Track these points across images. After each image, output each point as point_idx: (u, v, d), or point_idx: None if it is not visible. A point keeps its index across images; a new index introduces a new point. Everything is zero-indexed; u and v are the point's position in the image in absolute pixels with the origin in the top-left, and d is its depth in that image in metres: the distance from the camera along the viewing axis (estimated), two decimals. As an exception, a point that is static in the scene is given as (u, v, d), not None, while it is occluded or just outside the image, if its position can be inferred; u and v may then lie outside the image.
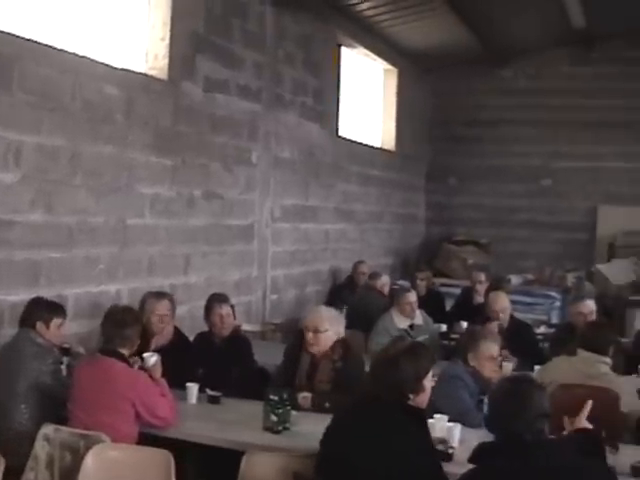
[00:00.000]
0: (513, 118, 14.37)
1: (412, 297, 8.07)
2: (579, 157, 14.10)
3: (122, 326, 5.02)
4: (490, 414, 3.65)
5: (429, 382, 4.17)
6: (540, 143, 14.24)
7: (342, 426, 4.15)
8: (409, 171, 14.10)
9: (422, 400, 4.13)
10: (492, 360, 5.53)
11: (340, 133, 11.47)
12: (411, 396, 4.06)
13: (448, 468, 4.35)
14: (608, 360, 5.84)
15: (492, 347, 5.56)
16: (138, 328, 5.13)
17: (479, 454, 3.56)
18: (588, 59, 14.18)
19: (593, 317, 7.34)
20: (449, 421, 4.90)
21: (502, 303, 7.71)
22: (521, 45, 14.00)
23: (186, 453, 4.93)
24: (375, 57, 12.61)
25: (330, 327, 5.80)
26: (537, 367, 6.52)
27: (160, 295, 6.42)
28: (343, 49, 11.66)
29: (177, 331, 6.40)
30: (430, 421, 4.82)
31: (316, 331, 5.68)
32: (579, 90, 14.08)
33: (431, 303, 9.44)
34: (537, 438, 3.45)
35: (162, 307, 6.25)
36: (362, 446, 3.93)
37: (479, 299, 9.23)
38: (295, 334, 6.17)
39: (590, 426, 4.14)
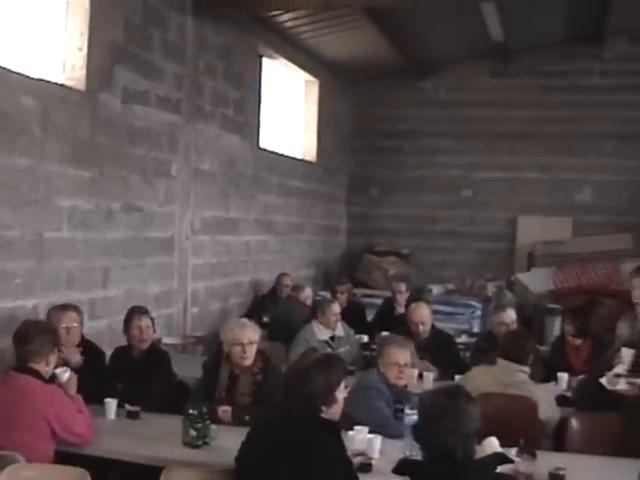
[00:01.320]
0: (434, 129, 14.52)
1: (336, 308, 8.07)
2: (498, 168, 14.32)
3: (26, 341, 4.89)
4: (422, 430, 3.62)
5: (341, 393, 4.15)
6: (460, 154, 14.42)
7: (256, 441, 4.12)
8: (330, 182, 14.13)
9: (335, 412, 4.11)
10: (396, 367, 5.55)
11: (261, 144, 11.44)
12: (323, 408, 4.04)
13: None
14: (527, 369, 5.91)
15: (397, 353, 5.58)
16: (46, 339, 4.95)
17: (403, 466, 3.56)
18: (507, 72, 14.42)
19: (514, 326, 7.42)
20: (369, 432, 4.91)
21: (422, 313, 7.75)
22: (442, 57, 14.16)
23: (105, 470, 4.85)
24: (296, 68, 12.62)
25: (257, 339, 5.80)
26: (458, 377, 6.58)
27: (65, 307, 6.27)
28: (264, 60, 11.64)
29: (89, 344, 6.28)
30: (350, 433, 4.84)
31: (249, 343, 5.67)
32: (498, 102, 14.30)
33: (352, 314, 9.42)
34: (468, 455, 3.46)
35: (67, 319, 6.10)
36: (276, 461, 3.90)
37: (400, 309, 9.28)
38: (215, 347, 6.14)
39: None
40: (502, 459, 3.74)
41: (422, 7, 11.01)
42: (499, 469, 3.81)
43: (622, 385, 5.04)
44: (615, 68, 14.06)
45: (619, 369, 5.16)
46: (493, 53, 13.85)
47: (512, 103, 14.27)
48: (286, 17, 10.88)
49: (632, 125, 13.84)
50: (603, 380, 5.14)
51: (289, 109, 13.13)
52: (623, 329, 6.30)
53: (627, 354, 5.24)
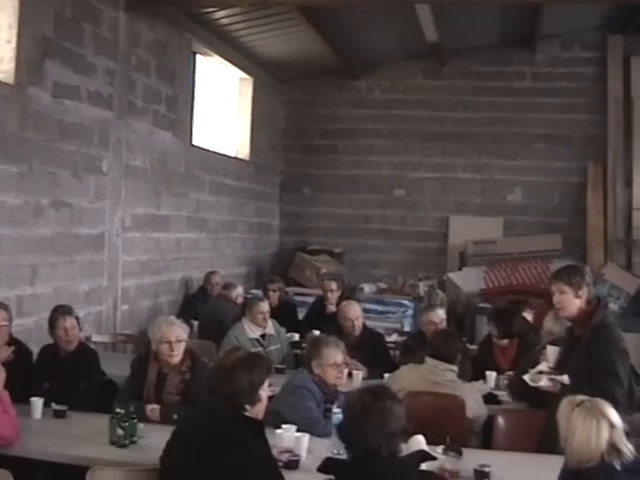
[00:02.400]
0: (368, 129, 14.58)
1: (265, 307, 8.07)
2: (431, 168, 14.43)
3: None
4: (348, 429, 3.63)
5: (265, 392, 4.15)
6: (394, 154, 14.49)
7: (180, 440, 4.10)
8: (263, 181, 14.09)
9: (259, 410, 4.11)
10: (336, 367, 5.56)
11: (194, 142, 11.37)
12: (247, 407, 4.04)
13: (294, 477, 4.40)
14: (455, 368, 5.98)
15: (335, 354, 5.59)
16: None
17: (328, 465, 3.57)
18: (441, 73, 14.52)
19: (443, 325, 7.50)
20: (297, 431, 4.92)
21: (353, 312, 7.78)
22: (377, 57, 14.22)
23: (31, 470, 4.79)
24: (231, 66, 12.56)
25: (185, 337, 5.78)
26: (387, 375, 6.62)
27: (-8, 305, 6.16)
28: (198, 57, 11.58)
29: (17, 342, 6.18)
30: (278, 431, 4.85)
31: (176, 341, 5.64)
32: (432, 103, 14.42)
33: (284, 313, 9.45)
34: (392, 453, 3.48)
35: (-6, 317, 6.00)
36: (200, 461, 3.89)
37: (331, 308, 9.28)
38: (144, 345, 6.10)
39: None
40: (426, 456, 3.77)
41: (357, 7, 11.08)
42: (423, 466, 3.85)
43: (544, 382, 5.12)
44: (547, 71, 14.28)
45: (542, 366, 5.24)
46: (428, 54, 13.92)
47: (446, 104, 14.40)
48: (221, 14, 10.82)
49: (562, 128, 14.08)
50: (526, 377, 5.22)
51: (223, 107, 13.07)
52: (550, 325, 6.40)
53: (552, 352, 5.32)
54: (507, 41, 14.16)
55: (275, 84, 14.40)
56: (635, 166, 13.63)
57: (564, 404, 3.84)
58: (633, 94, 13.81)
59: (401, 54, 14.27)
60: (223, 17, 10.95)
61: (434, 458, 4.04)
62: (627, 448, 3.68)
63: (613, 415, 3.74)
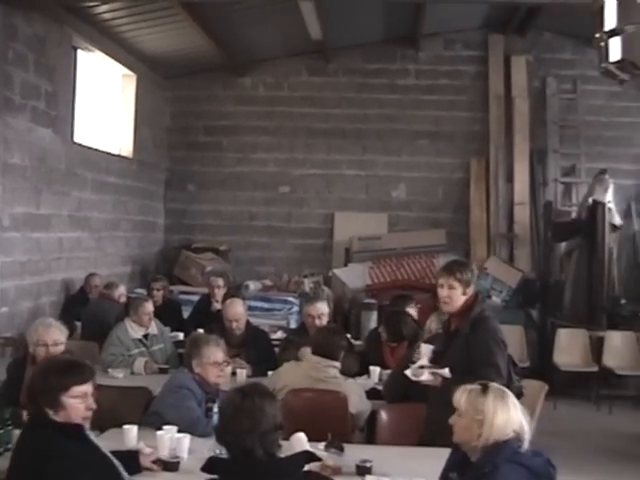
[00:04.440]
0: (252, 126, 14.53)
1: (149, 307, 7.94)
2: (316, 165, 14.48)
3: None
4: (221, 429, 3.60)
5: (72, 400, 3.98)
6: (278, 151, 14.49)
7: (15, 451, 4.03)
8: (147, 178, 13.90)
9: (65, 417, 3.97)
10: (217, 366, 5.51)
11: (75, 139, 11.15)
12: (50, 412, 3.94)
13: (176, 478, 4.35)
14: (337, 364, 6.00)
15: (216, 353, 5.54)
16: None
17: (211, 465, 3.53)
18: (325, 70, 14.57)
19: (324, 319, 7.50)
20: (178, 432, 4.86)
21: (237, 311, 7.73)
22: (261, 54, 14.18)
23: None
24: (113, 62, 12.35)
25: (63, 339, 5.66)
26: (271, 373, 6.61)
27: None
28: (79, 52, 11.36)
29: None
30: (159, 433, 4.78)
31: (53, 344, 5.52)
32: (316, 100, 14.47)
33: (168, 312, 9.38)
34: (269, 454, 3.45)
35: None
36: (21, 472, 3.82)
37: (217, 305, 9.23)
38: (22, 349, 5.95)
39: None
40: (310, 457, 3.75)
41: (241, 3, 11.03)
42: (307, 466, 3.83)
43: (426, 376, 5.17)
44: (430, 69, 14.48)
45: (424, 361, 5.29)
46: (312, 51, 13.95)
47: (330, 101, 14.47)
48: (102, 9, 10.64)
49: (445, 124, 14.32)
50: (408, 372, 5.26)
51: (106, 103, 12.85)
52: (433, 325, 6.47)
53: (426, 349, 5.39)
54: (391, 39, 14.32)
55: (159, 80, 14.23)
56: (516, 162, 13.93)
57: (464, 387, 3.87)
58: (514, 92, 14.13)
59: (286, 51, 14.27)
60: (105, 12, 10.77)
61: (319, 459, 4.02)
62: (516, 438, 3.75)
63: (513, 404, 3.82)
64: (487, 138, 14.14)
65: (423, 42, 14.28)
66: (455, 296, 5.28)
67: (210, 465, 3.52)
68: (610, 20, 2.83)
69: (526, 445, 3.73)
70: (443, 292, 5.31)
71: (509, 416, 3.73)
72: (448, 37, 14.45)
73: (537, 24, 13.77)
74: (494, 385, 3.87)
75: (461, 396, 3.85)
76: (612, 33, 2.84)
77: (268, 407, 3.51)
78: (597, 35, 2.91)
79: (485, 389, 3.82)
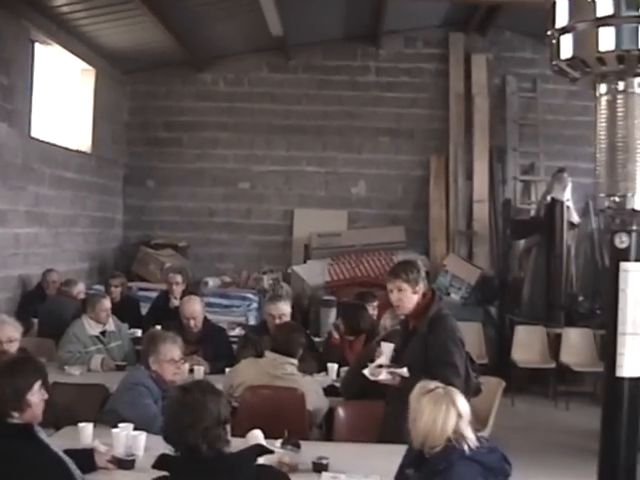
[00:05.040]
0: (212, 122, 14.45)
1: (107, 304, 7.90)
2: (276, 161, 14.42)
3: None
4: (166, 426, 3.59)
5: (35, 396, 3.99)
6: (238, 147, 14.41)
7: None
8: (106, 174, 13.76)
9: (31, 416, 3.97)
10: (173, 363, 5.49)
11: (33, 134, 11.03)
12: (15, 414, 3.91)
13: (131, 476, 4.32)
14: (295, 361, 5.99)
15: (172, 350, 5.51)
16: None
17: (162, 462, 3.52)
18: (286, 66, 14.54)
19: (284, 319, 7.48)
20: (134, 429, 4.83)
21: (194, 309, 7.71)
22: (222, 50, 14.11)
23: None
24: (72, 56, 12.22)
25: (18, 336, 5.60)
26: (228, 370, 6.59)
27: None
28: (37, 46, 11.22)
29: None
30: (114, 431, 4.75)
31: (7, 341, 5.48)
32: (277, 96, 14.43)
33: (126, 308, 9.34)
34: (217, 449, 3.44)
35: None
36: None
37: (175, 302, 9.18)
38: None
39: None
40: (261, 450, 3.75)
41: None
42: (262, 460, 3.82)
43: (384, 375, 5.18)
44: (390, 66, 14.50)
45: (382, 360, 5.29)
46: (273, 47, 13.90)
47: (291, 97, 14.44)
48: (61, 2, 10.53)
49: (404, 121, 14.34)
50: (366, 371, 5.26)
51: (64, 98, 12.72)
52: (388, 322, 6.48)
53: (387, 348, 5.39)
54: (352, 36, 14.32)
55: (118, 75, 14.12)
56: (475, 160, 13.99)
57: (417, 388, 3.92)
58: (474, 90, 14.19)
59: (246, 47, 14.22)
60: (63, 5, 10.65)
61: (271, 452, 4.02)
62: (471, 437, 3.78)
63: (462, 404, 3.84)
64: (447, 136, 14.18)
65: (384, 39, 14.29)
66: (405, 298, 5.28)
67: (161, 462, 3.52)
68: (562, 17, 2.83)
69: (472, 444, 3.76)
70: (393, 296, 5.33)
71: (435, 419, 3.75)
72: (409, 35, 14.47)
73: (497, 23, 13.84)
74: (438, 388, 3.88)
75: (414, 390, 3.90)
76: (563, 31, 2.84)
77: (210, 402, 3.50)
78: (549, 32, 2.92)
79: (427, 391, 3.85)
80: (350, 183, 14.44)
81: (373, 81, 14.50)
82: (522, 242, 13.46)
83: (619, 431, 2.91)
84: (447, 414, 3.76)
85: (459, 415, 3.78)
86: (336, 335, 7.76)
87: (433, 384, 3.91)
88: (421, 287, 5.31)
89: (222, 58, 14.42)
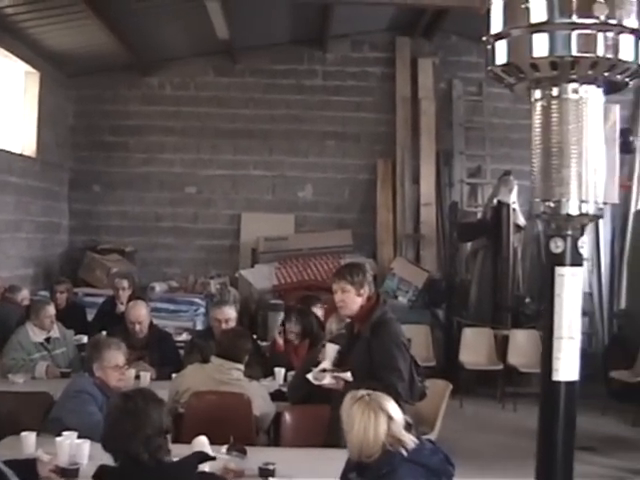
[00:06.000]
0: (159, 126, 14.35)
1: (51, 310, 7.80)
2: (222, 165, 14.36)
3: None
4: (105, 433, 3.55)
5: None
6: (185, 151, 14.33)
7: None
8: (51, 178, 13.59)
9: None
10: (118, 369, 5.44)
11: (-25, 138, 10.90)
12: None
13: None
14: (241, 366, 5.97)
15: (117, 356, 5.47)
16: None
17: (101, 472, 3.48)
18: (233, 70, 14.49)
19: (230, 323, 7.46)
20: (79, 437, 4.77)
21: (139, 314, 7.65)
22: (168, 54, 14.04)
23: None
24: (16, 59, 12.07)
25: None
26: (174, 375, 6.54)
27: None
28: (-20, 49, 11.11)
29: None
30: (58, 439, 4.69)
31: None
32: (223, 100, 14.38)
33: (72, 314, 9.25)
34: (156, 458, 3.40)
35: None
36: None
37: (122, 308, 9.08)
38: None
39: None
40: (202, 457, 3.72)
41: (147, 1, 10.90)
42: (206, 468, 3.80)
43: (327, 380, 5.18)
44: (337, 70, 14.53)
45: (325, 364, 5.30)
46: (220, 51, 13.86)
47: (237, 101, 14.40)
48: (3, 3, 10.36)
49: (351, 125, 14.36)
50: (309, 376, 5.26)
51: (7, 101, 12.56)
52: (333, 326, 6.49)
53: (331, 349, 5.39)
54: (299, 40, 14.32)
55: (63, 79, 13.96)
56: (422, 163, 14.05)
57: (347, 398, 3.91)
58: (420, 94, 14.26)
59: (193, 51, 14.16)
60: (6, 6, 10.49)
61: (213, 458, 4.00)
62: (408, 438, 3.78)
63: (392, 408, 3.83)
64: (394, 139, 14.24)
65: (331, 43, 14.32)
66: (349, 299, 5.29)
67: (100, 472, 3.47)
68: (496, 24, 2.86)
69: (409, 447, 3.77)
70: (337, 296, 5.35)
71: (366, 427, 3.75)
72: (355, 39, 14.51)
73: (443, 27, 13.91)
74: (365, 396, 3.88)
75: (344, 401, 3.90)
76: (498, 37, 2.87)
77: (152, 411, 3.47)
78: (484, 38, 2.94)
79: (355, 400, 3.85)
80: (297, 187, 14.43)
81: (320, 85, 14.51)
82: (469, 245, 13.55)
83: (556, 433, 2.94)
84: (377, 420, 3.75)
85: (390, 418, 3.78)
86: (280, 341, 7.77)
87: (360, 392, 3.90)
88: (366, 290, 5.32)
89: (168, 62, 14.34)
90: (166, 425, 3.50)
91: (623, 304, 13.55)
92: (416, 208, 14.05)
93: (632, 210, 13.84)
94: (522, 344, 11.50)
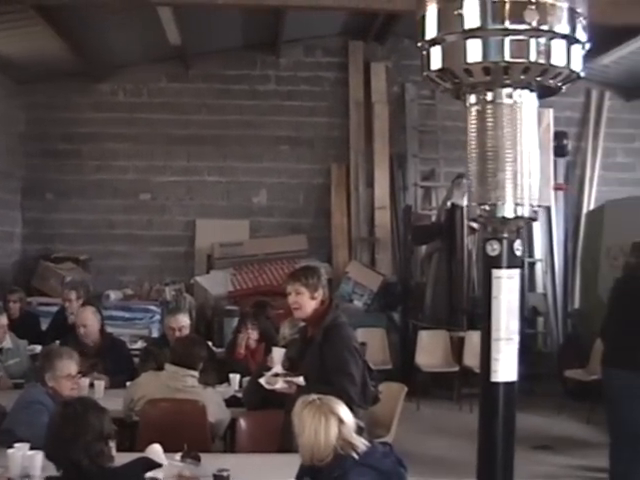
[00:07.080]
0: (112, 133, 14.25)
1: (3, 320, 7.73)
2: (176, 172, 14.31)
3: None
4: (47, 441, 3.55)
5: None
6: (138, 158, 14.25)
7: None
8: (2, 187, 13.41)
9: None
10: (70, 379, 5.40)
11: None
12: None
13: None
14: (196, 373, 5.96)
15: (69, 365, 5.43)
16: None
17: None
18: (186, 76, 14.46)
19: (184, 331, 7.44)
20: (31, 449, 4.73)
21: (84, 315, 7.64)
22: (120, 60, 13.96)
23: None
24: (-36, 66, 11.97)
25: None
26: (129, 383, 6.52)
27: None
28: None
29: None
30: (10, 451, 4.65)
31: None
32: (177, 106, 14.32)
33: (25, 324, 9.12)
34: (97, 464, 3.39)
35: None
36: None
37: (72, 318, 8.99)
38: None
39: None
40: (148, 464, 3.72)
41: (97, 8, 10.82)
42: (160, 475, 3.79)
43: (280, 384, 5.19)
44: (290, 75, 14.56)
45: (278, 369, 5.31)
46: (172, 57, 13.82)
47: (191, 107, 14.36)
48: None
49: (304, 130, 14.39)
50: (262, 380, 5.27)
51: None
52: (287, 331, 6.49)
53: (277, 354, 5.41)
54: (251, 45, 14.33)
55: (13, 86, 13.82)
56: (376, 167, 14.10)
57: (298, 403, 3.93)
58: (373, 98, 14.32)
59: (145, 57, 14.11)
60: (-47, 13, 10.42)
61: (159, 465, 3.99)
62: (359, 442, 3.80)
63: (342, 411, 3.85)
64: (347, 144, 14.30)
65: (283, 48, 14.32)
66: (303, 301, 5.30)
67: None
68: (431, 29, 2.89)
69: (360, 450, 3.79)
70: (291, 298, 5.35)
71: (317, 431, 3.78)
72: (308, 43, 14.55)
73: (396, 31, 13.95)
74: (315, 400, 3.91)
75: (295, 406, 3.93)
76: (433, 42, 2.91)
77: (92, 417, 3.47)
78: (419, 44, 2.98)
79: (305, 405, 3.87)
80: (251, 192, 14.42)
81: (273, 90, 14.52)
82: (424, 247, 13.62)
83: (496, 433, 2.98)
84: (327, 424, 3.78)
85: (341, 422, 3.80)
86: (242, 350, 7.76)
87: (311, 396, 3.92)
88: (320, 294, 5.33)
89: (121, 68, 14.26)
90: (107, 431, 3.49)
91: (577, 304, 13.70)
92: (370, 212, 14.11)
93: (584, 212, 14.01)
94: (478, 345, 11.35)
